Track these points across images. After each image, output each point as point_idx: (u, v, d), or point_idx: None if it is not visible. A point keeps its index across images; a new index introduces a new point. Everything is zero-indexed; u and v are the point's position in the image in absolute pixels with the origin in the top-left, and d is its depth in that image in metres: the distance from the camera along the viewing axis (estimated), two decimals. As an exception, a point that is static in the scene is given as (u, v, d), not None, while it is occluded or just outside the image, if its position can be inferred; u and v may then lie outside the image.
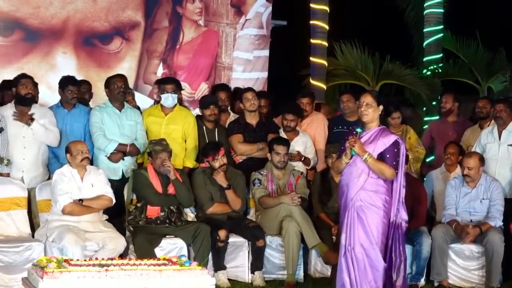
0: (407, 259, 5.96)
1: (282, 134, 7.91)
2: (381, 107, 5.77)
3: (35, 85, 7.44)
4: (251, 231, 7.15)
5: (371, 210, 5.67)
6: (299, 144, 7.93)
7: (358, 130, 5.73)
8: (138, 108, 8.32)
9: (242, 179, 7.40)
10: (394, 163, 5.69)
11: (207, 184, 7.25)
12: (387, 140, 5.72)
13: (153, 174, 7.02)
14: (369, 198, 5.68)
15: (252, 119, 7.90)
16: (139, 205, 6.97)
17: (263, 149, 7.75)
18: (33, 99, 7.24)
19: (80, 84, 7.95)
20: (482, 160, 7.28)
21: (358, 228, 5.68)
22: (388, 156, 5.69)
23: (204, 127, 7.75)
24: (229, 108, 8.30)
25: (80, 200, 6.66)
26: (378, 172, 5.68)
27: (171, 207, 6.99)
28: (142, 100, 9.50)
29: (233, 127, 7.84)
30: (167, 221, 6.96)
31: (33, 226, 7.06)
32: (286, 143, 7.53)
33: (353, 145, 5.68)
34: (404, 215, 5.80)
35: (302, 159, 7.88)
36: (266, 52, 11.09)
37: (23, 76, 7.33)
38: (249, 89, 8.12)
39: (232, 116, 8.23)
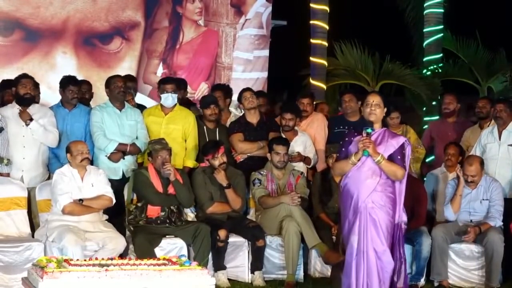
0: (406, 260, 5.94)
1: (282, 134, 7.90)
2: (385, 108, 5.76)
3: (36, 85, 7.44)
4: (251, 231, 7.15)
5: (382, 211, 5.63)
6: (298, 144, 7.93)
7: (369, 130, 5.62)
8: (142, 106, 8.33)
9: (242, 179, 7.40)
10: (404, 164, 5.67)
11: (207, 183, 7.25)
12: (396, 142, 5.69)
13: (153, 173, 7.02)
14: (379, 199, 5.64)
15: (252, 118, 7.90)
16: (139, 204, 6.97)
17: (263, 148, 7.75)
18: (32, 99, 7.23)
19: (81, 84, 7.95)
20: (482, 163, 7.28)
21: (371, 231, 5.62)
22: (398, 157, 5.67)
23: (204, 126, 7.76)
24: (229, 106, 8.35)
25: (80, 200, 6.67)
26: (391, 173, 5.64)
27: (172, 207, 6.99)
28: (142, 100, 9.50)
29: (233, 126, 7.86)
30: (167, 221, 6.96)
31: (33, 226, 7.07)
32: (286, 143, 7.53)
33: (368, 146, 5.59)
34: (404, 217, 5.78)
35: (303, 159, 7.88)
36: (266, 52, 11.09)
37: (23, 76, 7.34)
38: (247, 89, 8.13)
39: (233, 116, 8.24)
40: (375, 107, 5.69)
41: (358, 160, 5.65)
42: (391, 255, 5.64)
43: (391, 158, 5.65)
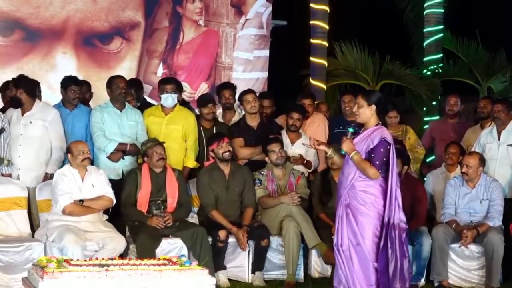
0: (410, 260, 5.95)
1: (284, 136, 7.89)
2: (373, 106, 5.80)
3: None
4: (256, 231, 7.13)
5: (359, 208, 5.75)
6: (301, 147, 7.90)
7: (350, 130, 5.85)
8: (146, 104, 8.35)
9: (250, 174, 7.41)
10: (377, 162, 5.71)
11: (212, 184, 7.23)
12: (374, 140, 5.76)
13: (146, 174, 7.00)
14: (358, 196, 5.75)
15: (253, 121, 7.86)
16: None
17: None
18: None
19: (82, 84, 7.95)
20: (482, 160, 7.27)
21: (346, 226, 5.79)
22: (373, 155, 5.74)
23: (201, 127, 7.74)
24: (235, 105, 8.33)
25: (81, 200, 6.67)
26: (361, 171, 5.74)
27: (163, 205, 6.99)
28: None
29: (234, 130, 7.78)
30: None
31: (33, 226, 7.07)
32: (277, 140, 7.52)
33: (342, 143, 5.81)
34: (401, 216, 5.80)
35: (304, 162, 7.86)
36: (266, 52, 11.09)
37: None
38: (250, 91, 8.04)
39: (237, 114, 8.23)
40: (357, 108, 5.86)
41: (333, 154, 6.03)
42: (369, 253, 5.70)
43: (369, 155, 5.74)
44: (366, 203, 5.73)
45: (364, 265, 5.73)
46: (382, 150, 5.72)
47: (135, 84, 8.44)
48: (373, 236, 5.72)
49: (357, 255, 5.73)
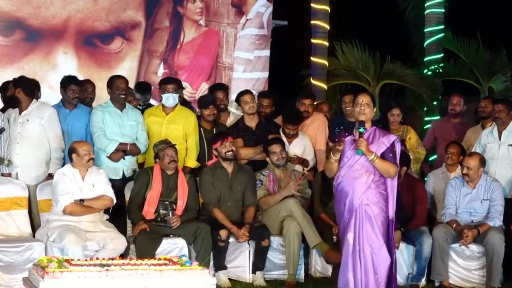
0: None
1: (282, 135, 7.89)
2: (375, 109, 5.88)
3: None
4: (256, 230, 7.13)
5: (376, 207, 5.76)
6: (298, 146, 7.90)
7: (361, 130, 5.75)
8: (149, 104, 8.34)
9: (252, 174, 7.41)
10: (396, 161, 5.80)
11: (215, 183, 7.24)
12: (388, 140, 5.82)
13: (157, 174, 7.02)
14: (374, 196, 5.77)
15: (251, 122, 7.87)
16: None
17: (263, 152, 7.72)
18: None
19: (81, 84, 7.93)
20: (482, 161, 7.28)
21: (367, 227, 5.74)
22: (390, 155, 5.78)
23: (201, 128, 7.74)
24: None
25: (81, 200, 6.67)
26: (384, 171, 5.75)
27: (170, 207, 6.99)
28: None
29: (232, 131, 7.78)
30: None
31: (34, 226, 7.07)
32: (279, 141, 7.52)
33: (361, 146, 5.71)
34: (393, 210, 5.88)
35: (301, 161, 7.86)
36: (266, 52, 11.08)
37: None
38: (247, 92, 8.06)
39: (232, 115, 8.22)
40: (364, 107, 5.82)
41: (339, 158, 5.82)
42: (387, 251, 5.70)
43: (383, 156, 5.78)
44: (380, 202, 5.77)
45: (382, 264, 5.74)
46: (394, 149, 5.81)
47: (143, 88, 8.46)
48: (385, 233, 5.78)
49: (377, 256, 5.73)
